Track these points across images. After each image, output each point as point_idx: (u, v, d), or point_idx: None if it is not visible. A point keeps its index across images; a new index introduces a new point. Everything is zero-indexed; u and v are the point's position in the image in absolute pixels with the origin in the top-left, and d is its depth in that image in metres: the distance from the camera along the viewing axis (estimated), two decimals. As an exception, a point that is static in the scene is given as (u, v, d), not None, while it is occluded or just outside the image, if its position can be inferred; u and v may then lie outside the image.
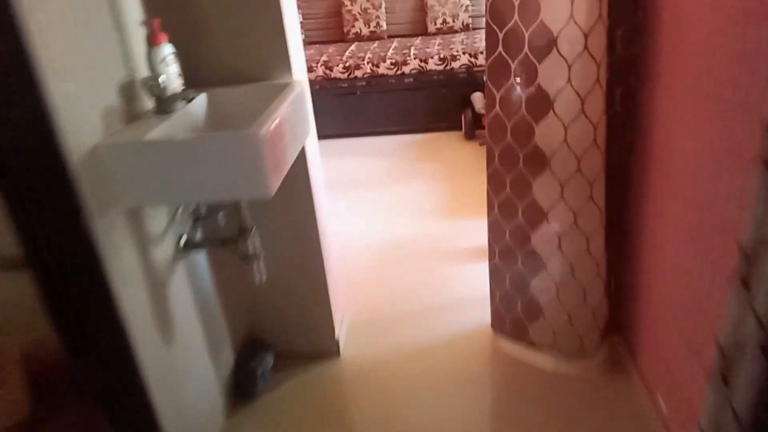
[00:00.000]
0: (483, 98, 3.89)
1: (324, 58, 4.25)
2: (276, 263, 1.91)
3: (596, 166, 1.67)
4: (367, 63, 4.10)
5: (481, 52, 4.03)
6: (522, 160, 1.74)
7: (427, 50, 4.18)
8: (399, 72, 4.10)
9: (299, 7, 4.70)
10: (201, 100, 1.58)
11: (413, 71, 4.10)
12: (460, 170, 3.58)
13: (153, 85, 1.36)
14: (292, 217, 1.89)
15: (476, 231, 2.83)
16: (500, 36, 1.65)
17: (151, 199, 1.32)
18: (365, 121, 4.24)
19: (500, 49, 1.66)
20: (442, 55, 4.06)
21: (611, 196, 1.78)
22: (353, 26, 4.71)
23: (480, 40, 4.29)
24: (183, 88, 1.49)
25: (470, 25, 4.65)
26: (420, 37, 4.64)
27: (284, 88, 1.59)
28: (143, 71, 1.42)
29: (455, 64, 4.07)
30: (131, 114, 1.38)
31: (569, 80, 1.58)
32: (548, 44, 1.57)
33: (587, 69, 1.57)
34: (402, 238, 2.86)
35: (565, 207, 1.72)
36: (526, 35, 1.59)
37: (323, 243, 1.96)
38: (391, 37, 4.75)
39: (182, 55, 1.50)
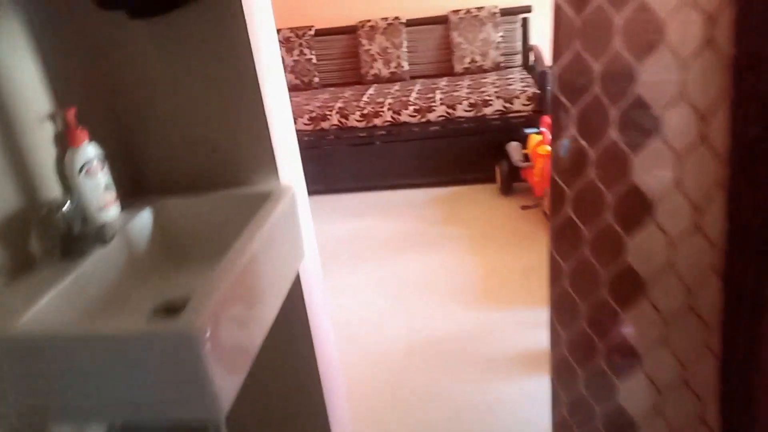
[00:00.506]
0: (520, 149, 3.40)
1: (339, 104, 3.81)
2: (265, 398, 1.42)
3: (714, 302, 1.15)
4: (388, 110, 3.65)
5: (517, 97, 3.55)
6: (606, 283, 1.23)
7: (455, 94, 3.71)
8: (423, 120, 3.63)
9: (311, 47, 4.31)
10: (143, 221, 1.11)
11: (440, 118, 3.63)
12: (496, 236, 3.07)
13: (50, 216, 0.90)
14: (285, 351, 1.41)
15: (521, 325, 2.30)
16: (572, 112, 1.16)
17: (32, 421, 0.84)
18: (385, 173, 3.77)
19: (575, 132, 1.17)
20: (472, 101, 3.59)
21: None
22: (372, 67, 4.28)
23: (515, 81, 3.81)
24: (115, 205, 1.03)
25: (502, 64, 4.18)
26: (446, 78, 4.19)
27: (266, 198, 1.12)
28: (50, 188, 0.97)
29: (487, 110, 3.59)
30: (23, 260, 0.91)
31: (678, 178, 1.08)
32: (649, 125, 1.08)
33: (704, 164, 1.07)
34: (424, 333, 2.35)
35: (671, 356, 1.20)
36: (614, 111, 1.10)
37: (324, 378, 1.47)
38: (413, 77, 4.31)
39: (117, 156, 1.05)
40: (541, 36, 4.14)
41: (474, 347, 2.23)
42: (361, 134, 3.70)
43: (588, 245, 1.23)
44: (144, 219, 1.10)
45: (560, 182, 1.23)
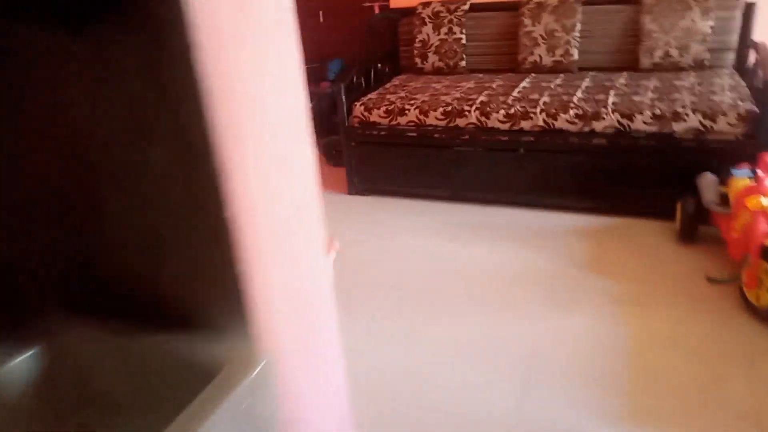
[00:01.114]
0: (717, 186, 2.49)
1: (482, 98, 3.14)
2: None
3: None
4: (541, 112, 2.91)
5: (722, 113, 2.61)
6: None
7: (635, 99, 2.85)
8: (587, 129, 2.85)
9: (462, 25, 3.64)
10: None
11: (608, 130, 2.81)
12: (666, 303, 2.26)
13: None
14: None
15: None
16: None
17: None
18: (526, 187, 3.06)
19: None
20: (657, 111, 2.72)
21: None
22: (531, 53, 3.51)
23: (722, 89, 2.84)
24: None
25: (706, 63, 3.19)
26: (625, 74, 3.30)
27: (208, 375, 0.57)
28: None
29: (677, 127, 2.70)
30: None
31: None
32: None
33: None
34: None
35: None
36: None
37: None
38: (583, 70, 3.48)
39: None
40: (772, 29, 3.08)
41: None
42: (503, 138, 3.01)
43: None
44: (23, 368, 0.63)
45: None
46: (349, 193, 3.54)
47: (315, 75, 4.14)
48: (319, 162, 4.09)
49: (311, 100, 4.17)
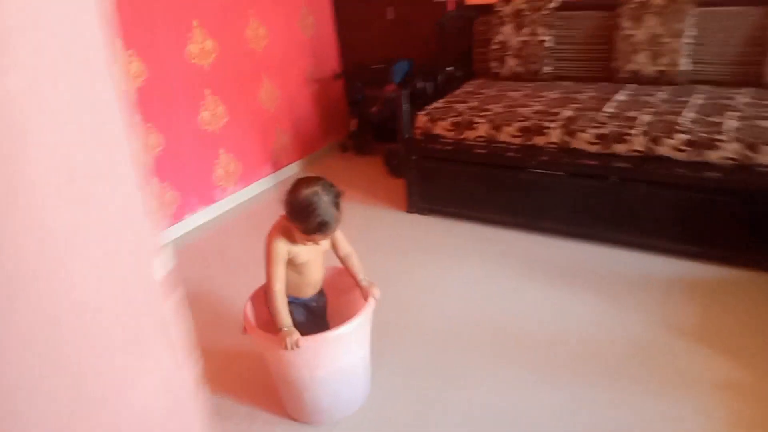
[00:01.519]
0: None
1: (568, 112, 2.68)
2: None
3: None
4: (641, 135, 2.42)
5: None
6: None
7: (761, 125, 2.31)
8: (698, 158, 2.33)
9: (548, 25, 3.17)
10: None
11: (726, 161, 2.28)
12: (794, 395, 1.75)
13: None
14: None
15: None
16: None
17: None
18: (616, 223, 2.57)
19: None
20: (794, 141, 2.17)
21: None
22: (630, 61, 3.00)
23: None
24: None
25: None
26: (748, 91, 2.73)
27: None
28: None
29: (821, 163, 2.13)
30: None
31: None
32: None
33: None
34: None
35: None
36: None
37: None
38: (694, 83, 2.92)
39: None
40: None
41: None
42: (591, 162, 2.54)
43: None
44: None
45: None
46: (408, 211, 3.18)
47: (379, 77, 3.78)
48: (379, 174, 3.78)
49: (373, 104, 3.82)
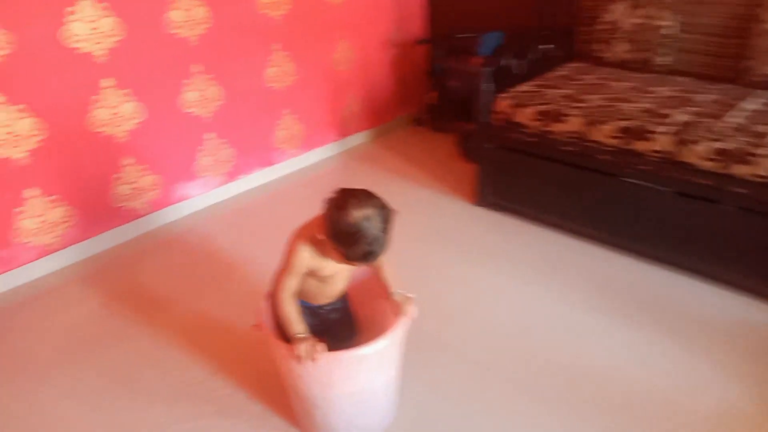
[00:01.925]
0: None
1: (681, 116, 2.23)
2: None
3: None
4: (773, 156, 1.95)
5: None
6: None
7: None
8: None
9: (671, 9, 2.66)
10: None
11: None
12: None
13: None
14: None
15: None
16: None
17: None
18: (722, 256, 2.13)
19: None
20: None
21: None
22: (766, 62, 2.47)
23: None
24: None
25: None
26: None
27: None
28: None
29: None
30: None
31: None
32: None
33: None
34: None
35: None
36: None
37: None
38: None
39: None
40: None
41: None
42: (704, 182, 2.10)
43: None
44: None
45: None
46: (476, 204, 2.85)
47: (464, 48, 3.40)
48: (451, 155, 3.45)
49: (454, 77, 3.46)
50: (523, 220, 2.69)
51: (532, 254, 2.44)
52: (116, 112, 2.48)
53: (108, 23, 2.34)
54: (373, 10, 3.49)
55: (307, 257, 1.40)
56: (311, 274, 1.45)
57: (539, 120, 2.46)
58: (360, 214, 1.27)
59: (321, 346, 1.35)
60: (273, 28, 2.97)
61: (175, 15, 2.56)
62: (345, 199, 1.30)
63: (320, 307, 1.60)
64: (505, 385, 1.78)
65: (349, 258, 1.31)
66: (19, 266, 2.37)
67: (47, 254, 2.44)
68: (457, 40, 3.47)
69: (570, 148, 2.39)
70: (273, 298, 1.50)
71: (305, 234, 1.41)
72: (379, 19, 3.55)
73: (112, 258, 2.57)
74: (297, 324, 1.40)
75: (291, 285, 1.43)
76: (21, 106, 2.19)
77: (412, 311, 1.49)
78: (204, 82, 2.76)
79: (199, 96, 2.76)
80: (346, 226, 1.27)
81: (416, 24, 3.80)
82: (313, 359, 1.34)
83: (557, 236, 2.55)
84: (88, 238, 2.56)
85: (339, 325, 1.67)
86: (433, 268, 2.38)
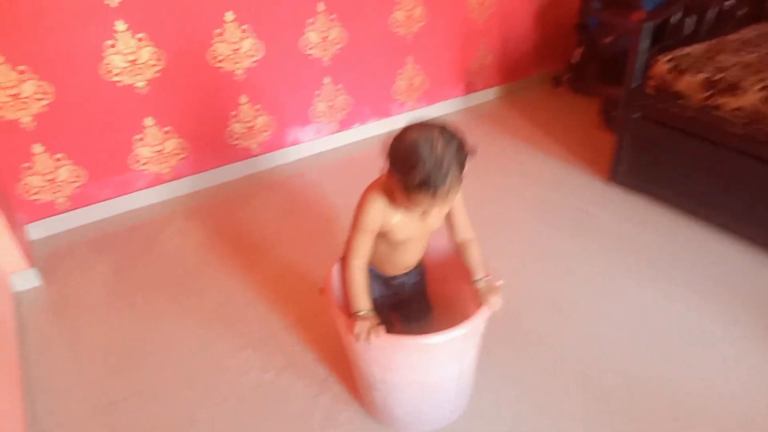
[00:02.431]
0: None
1: None
2: None
3: None
4: None
5: None
6: None
7: None
8: None
9: None
10: None
11: None
12: None
13: None
14: None
15: None
16: None
17: None
18: None
19: None
20: None
21: None
22: None
23: None
24: None
25: None
26: None
27: None
28: None
29: None
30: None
31: None
32: None
33: None
34: None
35: None
36: None
37: None
38: None
39: None
40: None
41: None
42: None
43: None
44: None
45: None
46: (609, 180, 2.46)
47: (627, 2, 2.91)
48: (590, 123, 3.02)
49: (608, 33, 2.99)
50: (661, 206, 2.28)
51: (666, 247, 2.05)
52: (237, 48, 2.43)
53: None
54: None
55: (378, 211, 1.21)
56: (383, 236, 1.27)
57: (705, 90, 2.00)
58: (419, 135, 1.08)
59: (381, 329, 1.18)
60: (405, -33, 2.74)
61: (301, -52, 2.43)
62: (409, 125, 1.13)
63: (394, 277, 1.42)
64: (602, 403, 1.49)
65: (407, 189, 1.10)
66: (133, 192, 2.47)
67: (159, 184, 2.52)
68: (615, -10, 2.97)
69: (738, 130, 1.92)
70: (343, 262, 1.35)
71: (376, 186, 1.24)
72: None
73: (219, 194, 2.60)
74: (360, 299, 1.24)
75: (362, 248, 1.26)
76: (141, 35, 2.21)
77: (495, 302, 1.26)
78: (327, 23, 2.62)
79: (319, 37, 2.64)
80: (404, 147, 1.09)
81: (571, -31, 3.33)
82: (368, 341, 1.18)
83: (701, 230, 2.12)
84: (199, 172, 2.60)
85: (412, 301, 1.49)
86: (543, 249, 2.10)
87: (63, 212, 2.35)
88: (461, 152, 1.09)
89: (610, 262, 2.01)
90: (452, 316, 1.35)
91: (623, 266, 1.98)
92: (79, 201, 2.37)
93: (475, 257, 1.33)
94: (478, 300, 1.28)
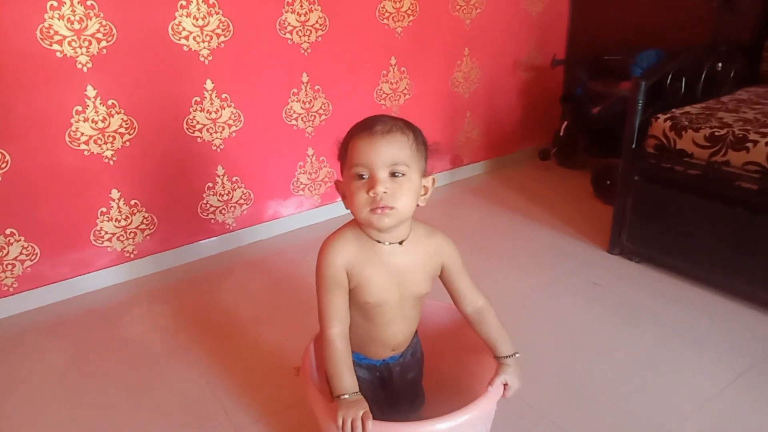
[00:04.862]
0: None
1: None
2: None
3: None
4: None
5: None
6: None
7: None
8: None
9: None
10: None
11: None
12: None
13: None
14: None
15: None
16: None
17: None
18: None
19: None
20: None
21: None
22: None
23: None
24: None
25: None
26: None
27: None
28: None
29: None
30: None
31: None
32: None
33: None
34: None
35: None
36: None
37: None
38: None
39: None
40: None
41: None
42: None
43: None
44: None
45: None
46: (609, 251, 2.29)
47: (612, 70, 2.90)
48: (582, 194, 2.90)
49: (595, 102, 2.95)
50: (670, 274, 2.10)
51: (677, 316, 1.84)
52: (216, 117, 2.31)
53: (214, 21, 2.21)
54: (509, 27, 3.11)
55: (338, 253, 1.01)
56: (354, 300, 1.05)
57: (709, 146, 1.88)
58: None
59: (367, 415, 0.93)
60: (391, 41, 2.70)
61: (285, 21, 2.39)
62: None
63: (379, 363, 1.19)
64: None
65: (346, 148, 0.98)
66: (93, 271, 2.24)
67: (123, 262, 2.29)
68: (603, 62, 2.97)
69: (751, 185, 1.79)
70: (318, 337, 1.12)
71: (332, 234, 1.05)
72: (514, 37, 3.16)
73: (189, 273, 2.37)
74: (343, 379, 1.00)
75: (336, 311, 1.02)
76: (112, 101, 2.08)
77: (513, 384, 1.03)
78: (311, 93, 2.54)
79: (302, 108, 2.54)
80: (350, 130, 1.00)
81: (556, 44, 3.35)
82: (354, 430, 0.93)
83: (723, 301, 1.92)
84: (168, 249, 2.39)
85: (404, 392, 1.24)
86: (549, 322, 1.87)
87: (11, 294, 2.10)
88: (417, 132, 1.00)
89: (617, 330, 1.78)
90: (449, 394, 1.12)
91: (632, 334, 1.76)
92: (30, 281, 2.12)
93: (496, 328, 1.11)
94: (494, 377, 1.05)
